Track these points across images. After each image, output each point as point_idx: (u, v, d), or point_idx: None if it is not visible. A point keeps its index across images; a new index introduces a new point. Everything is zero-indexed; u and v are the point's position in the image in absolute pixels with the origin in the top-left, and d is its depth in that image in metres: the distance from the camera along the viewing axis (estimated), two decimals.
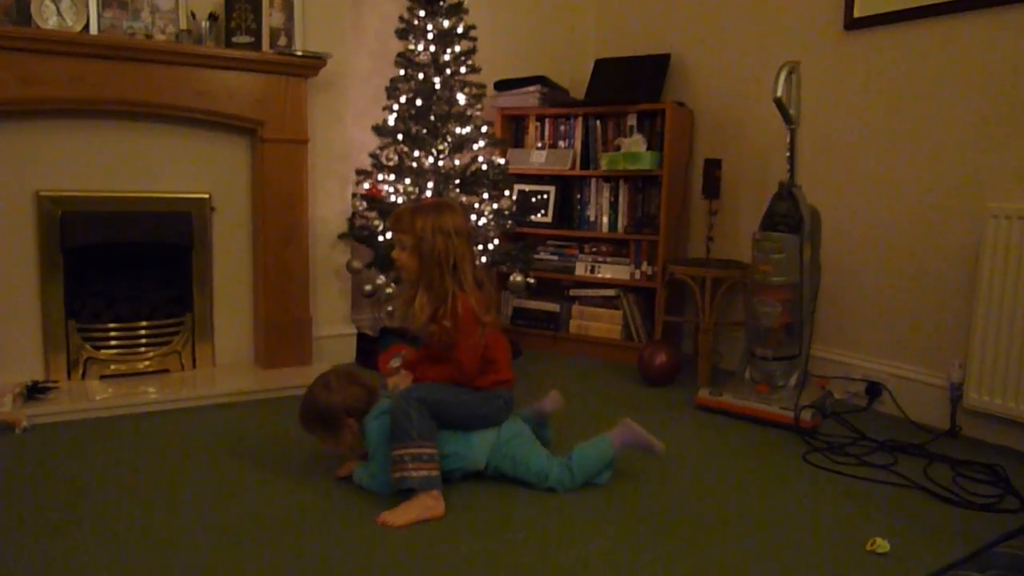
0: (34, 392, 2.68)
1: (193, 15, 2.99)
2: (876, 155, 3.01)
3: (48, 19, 2.73)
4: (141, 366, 3.04)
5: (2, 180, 2.77)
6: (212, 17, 3.01)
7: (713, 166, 3.39)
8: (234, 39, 3.05)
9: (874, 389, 2.97)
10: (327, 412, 2.08)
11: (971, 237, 2.69)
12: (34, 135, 2.80)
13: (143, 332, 3.06)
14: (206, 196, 3.13)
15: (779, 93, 2.70)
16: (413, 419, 1.97)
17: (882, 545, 1.82)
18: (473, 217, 3.38)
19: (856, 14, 3.02)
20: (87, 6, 2.79)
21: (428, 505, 1.94)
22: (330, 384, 2.12)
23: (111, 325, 3.00)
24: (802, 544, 1.86)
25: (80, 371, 2.94)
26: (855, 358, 3.09)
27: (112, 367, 2.99)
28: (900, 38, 2.91)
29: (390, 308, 3.36)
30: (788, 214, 2.78)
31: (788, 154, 2.83)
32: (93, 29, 2.81)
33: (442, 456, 2.04)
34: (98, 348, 2.97)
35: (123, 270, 3.07)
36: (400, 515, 1.91)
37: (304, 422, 2.14)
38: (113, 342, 3.00)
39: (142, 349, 3.05)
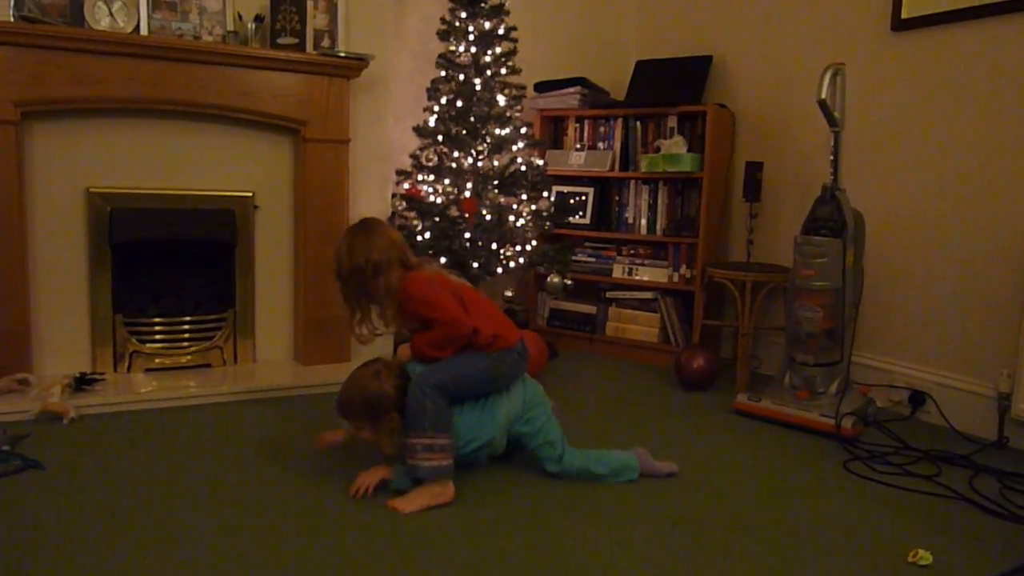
0: (82, 384, 2.75)
1: (240, 16, 3.05)
2: (923, 158, 2.95)
3: (100, 20, 2.81)
4: (184, 360, 3.10)
5: (54, 177, 2.85)
6: (258, 19, 3.06)
7: (754, 168, 3.35)
8: (279, 40, 3.10)
9: (918, 398, 2.91)
10: (375, 401, 2.05)
11: (1021, 242, 2.62)
12: (85, 133, 2.88)
13: (187, 327, 3.12)
14: (249, 194, 3.18)
15: (823, 95, 2.66)
16: (428, 410, 1.99)
17: (924, 557, 1.78)
18: (511, 218, 3.39)
19: (904, 15, 2.97)
20: (138, 8, 2.86)
21: (437, 492, 1.98)
22: (380, 374, 2.10)
23: (156, 320, 3.07)
24: (842, 553, 1.83)
25: (126, 364, 3.01)
26: (899, 365, 3.03)
27: (156, 361, 3.06)
28: (949, 39, 2.84)
29: None
30: (831, 218, 2.73)
31: (832, 157, 2.79)
32: (143, 30, 2.88)
33: (468, 441, 2.08)
34: (143, 342, 3.04)
35: (168, 266, 3.14)
36: (409, 502, 1.96)
37: (346, 408, 2.11)
38: (158, 336, 3.07)
39: (185, 344, 3.11)
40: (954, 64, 2.84)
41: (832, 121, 2.74)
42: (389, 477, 2.07)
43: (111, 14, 2.82)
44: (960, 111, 2.82)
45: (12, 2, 2.67)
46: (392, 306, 2.14)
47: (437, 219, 3.35)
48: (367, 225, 2.21)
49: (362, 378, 2.10)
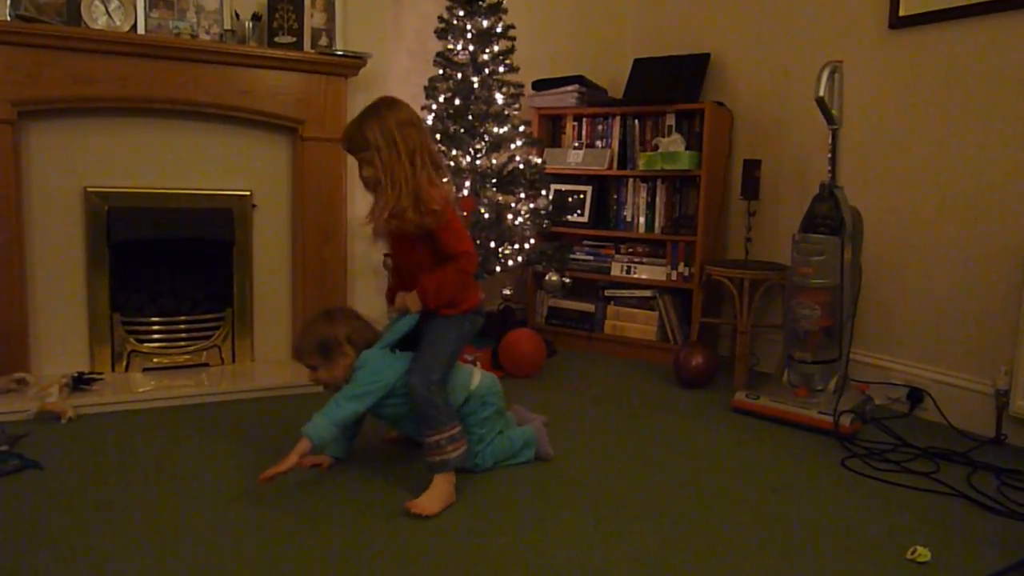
0: (79, 383, 2.74)
1: (237, 15, 3.04)
2: (921, 155, 2.95)
3: (97, 19, 2.80)
4: (182, 360, 3.10)
5: (52, 176, 2.85)
6: (255, 17, 3.06)
7: (752, 166, 3.35)
8: (276, 39, 3.10)
9: (916, 395, 2.91)
10: (327, 339, 2.09)
11: (1018, 239, 2.62)
12: (82, 132, 2.87)
13: (184, 326, 3.12)
14: (247, 193, 3.18)
15: (821, 93, 2.66)
16: (439, 404, 2.01)
17: (923, 554, 1.79)
18: (510, 216, 3.39)
19: (902, 12, 2.97)
20: (135, 6, 2.86)
21: (449, 492, 1.99)
22: (333, 316, 2.15)
23: (154, 319, 3.07)
24: (840, 551, 1.83)
25: (124, 363, 3.00)
26: (897, 363, 3.03)
27: (154, 360, 3.05)
28: (946, 36, 2.85)
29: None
30: (829, 215, 2.73)
31: (830, 155, 2.79)
32: (140, 29, 2.88)
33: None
34: (141, 341, 3.04)
35: (166, 265, 3.13)
36: (434, 501, 1.95)
37: (301, 351, 2.14)
38: (156, 336, 3.07)
39: (183, 343, 3.11)
40: (952, 61, 2.84)
41: (830, 119, 2.74)
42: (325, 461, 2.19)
43: (108, 13, 2.82)
44: (958, 108, 2.82)
45: (9, 1, 2.67)
46: (403, 201, 2.00)
47: None
48: (404, 107, 2.09)
49: (313, 323, 2.17)
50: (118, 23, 2.83)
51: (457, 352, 2.12)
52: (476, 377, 2.23)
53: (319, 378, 2.15)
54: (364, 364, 2.09)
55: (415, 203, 2.00)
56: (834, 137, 2.78)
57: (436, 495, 1.97)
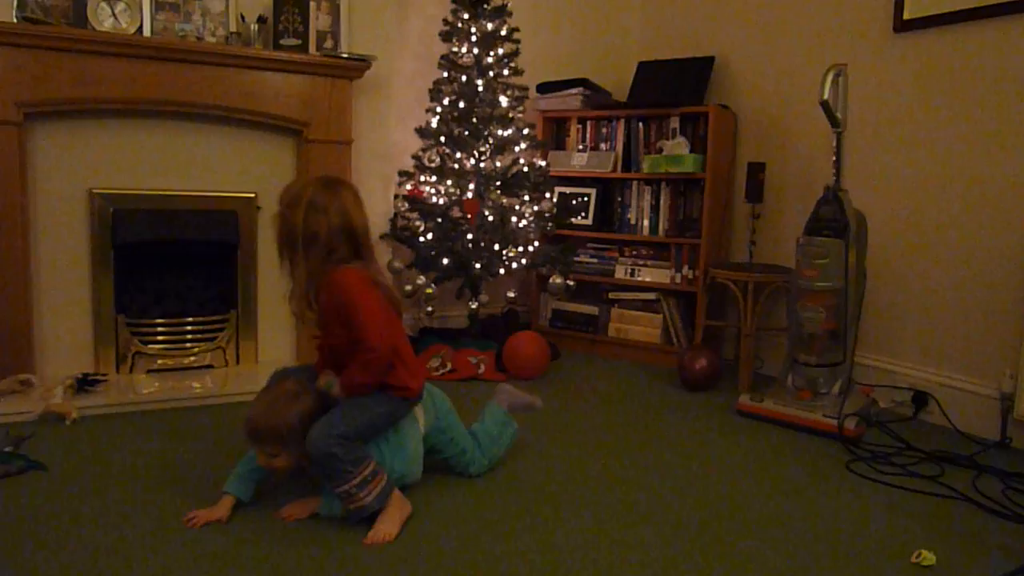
0: (84, 384, 2.75)
1: (243, 18, 3.05)
2: (925, 159, 2.95)
3: (104, 21, 2.81)
4: (187, 361, 3.11)
5: (57, 178, 2.85)
6: (261, 20, 3.07)
7: (757, 169, 3.35)
8: (282, 41, 3.10)
9: (921, 398, 2.90)
10: (299, 425, 1.85)
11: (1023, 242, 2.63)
12: (88, 134, 2.88)
13: (189, 328, 3.12)
14: (252, 195, 3.18)
15: (826, 96, 2.66)
16: (339, 456, 1.80)
17: (928, 558, 1.78)
18: (514, 219, 3.40)
19: (906, 16, 2.97)
20: (141, 9, 2.87)
21: (398, 507, 1.89)
22: (299, 394, 1.91)
23: (159, 321, 3.07)
24: (845, 554, 1.83)
25: (128, 365, 3.01)
26: (901, 366, 3.03)
27: (159, 362, 3.06)
28: (952, 40, 2.84)
29: (429, 309, 3.39)
30: (834, 218, 2.73)
31: (834, 158, 2.79)
32: (146, 31, 2.89)
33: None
34: (146, 343, 3.04)
35: (171, 267, 3.14)
36: (388, 526, 1.84)
37: (263, 435, 1.87)
38: (160, 337, 3.07)
39: (188, 345, 3.12)
40: (957, 65, 2.84)
41: (834, 122, 2.74)
42: (317, 509, 1.93)
43: (114, 15, 2.83)
44: (962, 112, 2.82)
45: (15, 3, 2.68)
46: (307, 287, 1.89)
47: (439, 220, 3.35)
48: (334, 182, 1.96)
49: (279, 402, 1.88)
50: (124, 25, 2.84)
51: (376, 426, 1.92)
52: (420, 419, 2.05)
53: (273, 464, 1.90)
54: None
55: (307, 296, 1.89)
56: (838, 140, 2.78)
57: (387, 518, 1.86)
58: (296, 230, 1.87)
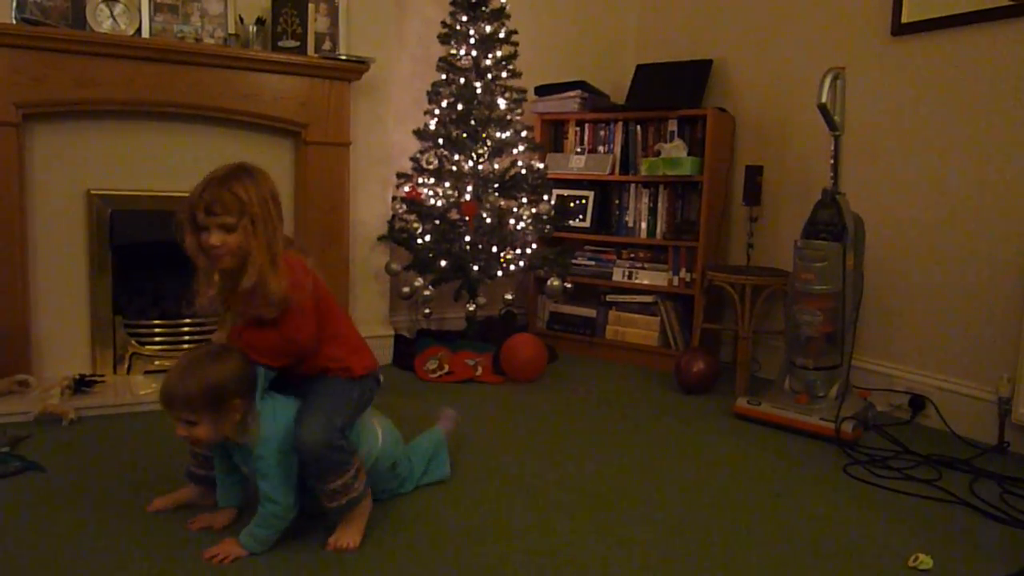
0: (81, 385, 2.75)
1: (241, 19, 3.05)
2: (923, 162, 2.95)
3: (102, 23, 2.81)
4: None
5: (55, 179, 2.85)
6: (259, 21, 3.07)
7: (754, 172, 3.35)
8: (280, 43, 3.10)
9: (918, 402, 2.91)
10: (222, 386, 1.67)
11: (1021, 246, 2.63)
12: (86, 135, 2.88)
13: (186, 329, 3.12)
14: None
15: (823, 99, 2.66)
16: (344, 447, 1.74)
17: (925, 561, 1.78)
18: (511, 221, 3.40)
19: (904, 19, 2.97)
20: (139, 10, 2.86)
21: (365, 506, 1.82)
22: (222, 355, 1.73)
23: (156, 322, 3.07)
24: (841, 558, 1.83)
25: (125, 366, 3.00)
26: (899, 369, 3.03)
27: (156, 363, 3.05)
28: (950, 44, 2.85)
29: (427, 311, 3.39)
30: (831, 222, 2.73)
31: (832, 161, 2.79)
32: (145, 33, 2.88)
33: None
34: (143, 344, 3.04)
35: (168, 268, 3.12)
36: (354, 533, 1.78)
37: (180, 399, 1.66)
38: (157, 338, 3.07)
39: (185, 346, 3.11)
40: (955, 69, 2.84)
41: (832, 125, 2.75)
42: (232, 533, 1.79)
43: (113, 17, 2.83)
44: (960, 115, 2.83)
45: (14, 4, 2.68)
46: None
47: (437, 222, 3.36)
48: (255, 169, 1.79)
49: (199, 361, 1.70)
50: (123, 27, 2.84)
51: (358, 411, 1.85)
52: (380, 438, 1.95)
53: (194, 435, 1.70)
54: (273, 416, 1.74)
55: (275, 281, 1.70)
56: (836, 143, 2.78)
57: (350, 526, 1.79)
58: (274, 222, 1.74)
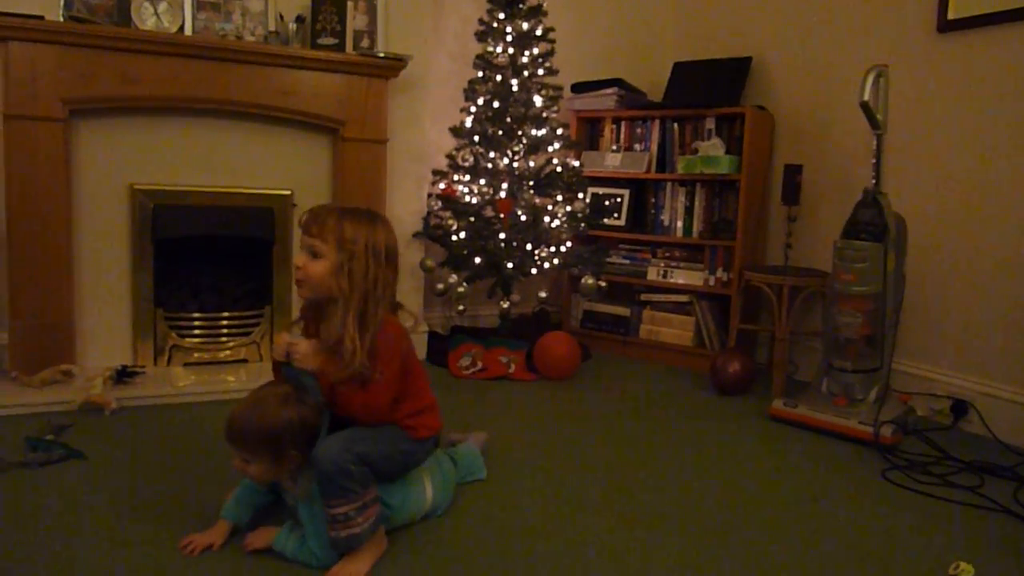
0: (123, 376, 2.80)
1: (281, 17, 3.09)
2: (968, 162, 2.88)
3: (146, 20, 2.86)
4: (222, 355, 3.15)
5: (100, 174, 2.91)
6: (299, 19, 3.10)
7: (794, 171, 3.30)
8: (319, 41, 3.13)
9: (960, 407, 2.84)
10: (283, 432, 1.67)
11: None
12: (130, 131, 2.94)
13: (225, 323, 3.17)
14: (288, 193, 3.22)
15: (866, 97, 2.61)
16: (354, 474, 1.64)
17: (967, 570, 1.74)
18: (546, 219, 3.39)
19: (951, 16, 2.91)
20: (183, 8, 2.91)
21: (376, 543, 1.71)
22: (290, 399, 1.71)
23: (195, 315, 3.12)
24: (880, 564, 1.79)
25: (165, 358, 3.06)
26: (940, 373, 2.96)
27: (195, 355, 3.11)
28: (997, 40, 2.78)
29: (461, 307, 3.40)
30: (872, 222, 2.68)
31: (874, 160, 2.74)
32: (188, 30, 2.93)
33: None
34: (183, 336, 3.09)
35: (208, 262, 3.19)
36: (359, 564, 1.67)
37: (243, 437, 1.69)
38: (197, 331, 3.12)
39: (223, 339, 3.16)
40: (1003, 66, 2.77)
41: (875, 124, 2.70)
42: (272, 542, 1.73)
43: (157, 14, 2.88)
44: (1007, 114, 2.75)
45: (62, 2, 2.74)
46: (365, 340, 1.66)
47: (472, 219, 3.36)
48: (393, 233, 1.76)
49: (266, 402, 1.70)
50: (166, 24, 2.89)
51: (392, 463, 1.76)
52: (428, 494, 1.89)
53: (248, 472, 1.72)
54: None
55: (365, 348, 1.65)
56: (879, 142, 2.73)
57: (358, 559, 1.67)
58: (375, 281, 1.68)
